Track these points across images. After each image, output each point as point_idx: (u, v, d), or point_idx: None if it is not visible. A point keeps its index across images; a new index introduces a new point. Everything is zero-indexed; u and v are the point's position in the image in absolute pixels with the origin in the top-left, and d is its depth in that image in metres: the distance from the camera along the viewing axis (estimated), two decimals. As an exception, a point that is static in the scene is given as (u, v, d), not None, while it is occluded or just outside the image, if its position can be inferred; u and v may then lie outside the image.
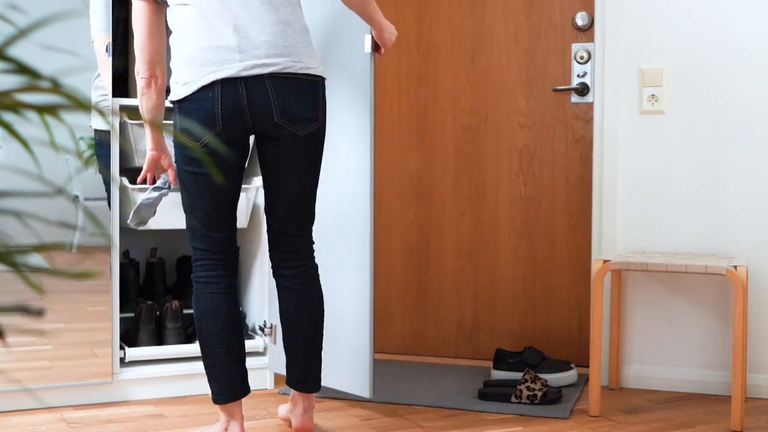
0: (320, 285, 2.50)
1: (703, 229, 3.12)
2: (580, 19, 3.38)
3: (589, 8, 3.37)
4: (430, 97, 3.61)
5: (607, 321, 3.19)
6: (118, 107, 2.90)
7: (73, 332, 2.81)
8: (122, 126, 2.95)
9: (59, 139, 2.76)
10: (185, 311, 3.23)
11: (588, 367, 3.37)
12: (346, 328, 2.76)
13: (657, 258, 2.86)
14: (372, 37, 2.57)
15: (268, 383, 3.10)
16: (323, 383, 2.86)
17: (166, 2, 2.35)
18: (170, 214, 2.98)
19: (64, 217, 2.78)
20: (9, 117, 2.57)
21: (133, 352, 2.95)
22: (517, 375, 3.16)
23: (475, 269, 3.57)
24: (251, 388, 3.05)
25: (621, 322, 3.21)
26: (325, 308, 2.72)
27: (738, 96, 3.07)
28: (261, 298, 3.13)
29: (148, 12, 2.38)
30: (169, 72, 2.81)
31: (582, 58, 3.38)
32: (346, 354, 2.75)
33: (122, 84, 3.12)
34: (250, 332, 3.22)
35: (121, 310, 3.14)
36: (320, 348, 2.49)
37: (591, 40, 3.37)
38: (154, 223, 2.95)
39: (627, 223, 3.20)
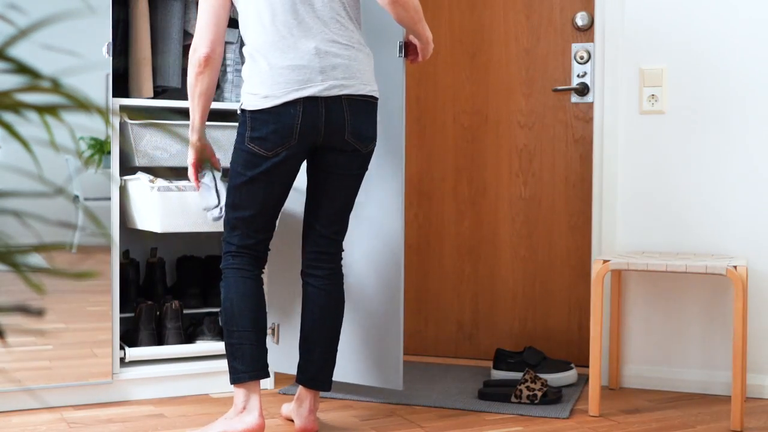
0: (344, 290, 2.67)
1: (703, 229, 3.12)
2: (580, 19, 3.38)
3: (589, 8, 3.37)
4: (430, 97, 3.61)
5: (607, 321, 3.19)
6: (118, 107, 2.90)
7: (73, 332, 2.81)
8: (122, 126, 2.95)
9: (59, 139, 2.76)
10: (185, 311, 3.23)
11: (588, 367, 3.37)
12: (378, 325, 2.84)
13: (657, 258, 2.86)
14: (405, 44, 2.74)
15: (269, 383, 3.10)
16: (352, 380, 2.91)
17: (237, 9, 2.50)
18: (171, 216, 2.97)
19: (64, 217, 2.78)
20: (9, 117, 2.56)
21: (133, 352, 2.95)
22: (517, 375, 3.16)
23: (475, 269, 3.57)
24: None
25: (621, 322, 3.21)
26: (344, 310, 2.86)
27: (738, 96, 3.07)
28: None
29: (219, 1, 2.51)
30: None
31: (582, 58, 3.38)
32: (379, 351, 2.84)
33: (122, 84, 3.12)
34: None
35: (121, 310, 3.14)
36: (336, 349, 2.59)
37: (591, 40, 3.37)
38: (168, 226, 2.95)
39: (627, 223, 3.20)
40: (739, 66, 3.06)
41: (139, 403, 2.90)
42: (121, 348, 2.98)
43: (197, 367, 3.00)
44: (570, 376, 3.16)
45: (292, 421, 2.65)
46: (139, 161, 2.95)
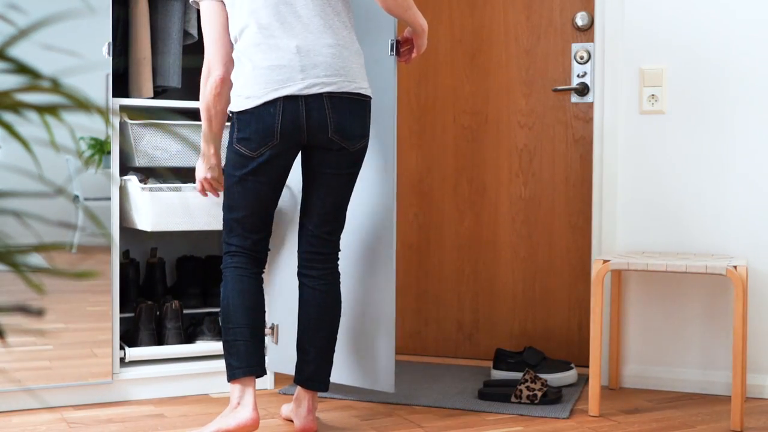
0: (340, 290, 2.66)
1: (703, 229, 3.12)
2: (580, 19, 3.38)
3: (589, 8, 3.37)
4: (430, 97, 3.61)
5: (607, 321, 3.19)
6: (118, 107, 2.90)
7: (73, 332, 2.81)
8: (122, 126, 2.95)
9: (59, 139, 2.76)
10: (185, 311, 3.23)
11: (588, 367, 3.37)
12: (370, 326, 2.81)
13: (657, 258, 2.86)
14: (398, 41, 2.69)
15: (269, 383, 3.10)
16: (344, 382, 2.89)
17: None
18: (174, 215, 2.97)
19: (64, 217, 2.78)
20: (9, 117, 2.56)
21: (133, 352, 2.95)
22: (517, 375, 3.16)
23: (475, 269, 3.57)
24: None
25: (621, 322, 3.21)
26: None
27: (738, 96, 3.07)
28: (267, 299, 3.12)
29: (220, 12, 2.50)
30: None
31: (582, 58, 3.38)
32: (371, 353, 2.81)
33: (122, 84, 3.12)
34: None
35: (121, 310, 3.14)
36: (333, 350, 2.58)
37: (591, 40, 3.37)
38: (158, 225, 2.95)
39: (627, 223, 3.20)
40: (739, 66, 3.06)
41: (139, 403, 2.90)
42: (121, 348, 2.98)
43: (197, 367, 3.00)
44: (570, 376, 3.16)
45: (292, 421, 2.65)
46: (139, 161, 2.95)
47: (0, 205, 2.46)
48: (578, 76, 3.39)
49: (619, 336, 3.18)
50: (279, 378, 3.24)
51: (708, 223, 3.11)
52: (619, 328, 3.19)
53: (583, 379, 3.20)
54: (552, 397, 2.88)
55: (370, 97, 2.50)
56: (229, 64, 2.49)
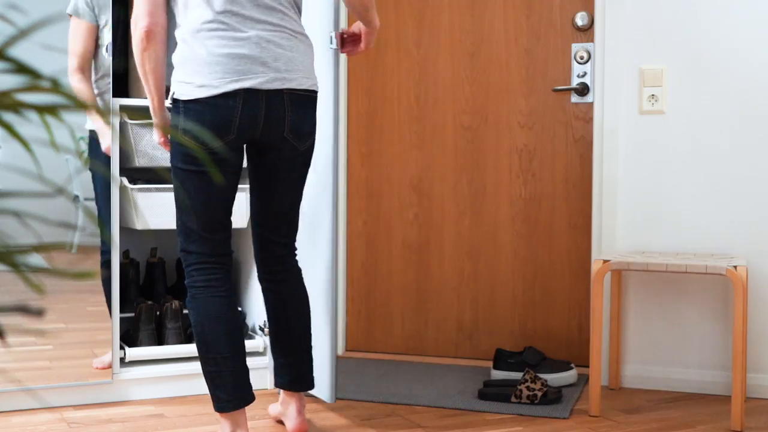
0: (304, 285, 2.54)
1: (703, 229, 3.12)
2: (580, 19, 3.38)
3: (589, 8, 3.37)
4: (430, 97, 3.61)
5: (607, 321, 3.19)
6: (118, 107, 2.90)
7: (73, 332, 2.81)
8: (122, 126, 2.95)
9: (59, 139, 2.76)
10: (185, 311, 3.23)
11: (588, 367, 3.37)
12: (312, 330, 2.74)
13: (657, 258, 2.86)
14: (341, 35, 2.56)
15: (268, 383, 3.10)
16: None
17: None
18: (171, 214, 2.97)
19: (64, 217, 2.78)
20: (9, 117, 2.57)
21: (133, 352, 2.95)
22: (517, 375, 3.16)
23: (475, 269, 3.57)
24: (251, 388, 3.06)
25: (621, 322, 3.21)
26: None
27: (737, 96, 3.07)
28: (261, 298, 3.12)
29: None
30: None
31: (582, 58, 3.38)
32: (315, 356, 2.73)
33: (122, 84, 3.12)
34: (250, 332, 3.22)
35: (121, 310, 3.14)
36: (311, 345, 2.50)
37: (591, 40, 3.37)
38: (155, 223, 2.95)
39: (627, 223, 3.20)
40: (739, 66, 3.06)
41: (139, 403, 2.90)
42: (121, 348, 2.98)
43: (197, 367, 3.00)
44: (570, 376, 3.16)
45: (281, 422, 2.63)
46: (139, 161, 2.95)
47: (0, 205, 2.46)
48: (578, 76, 3.39)
49: (619, 336, 3.18)
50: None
51: (708, 223, 3.11)
52: (619, 328, 3.19)
53: (583, 379, 3.20)
54: (552, 397, 2.88)
55: (317, 92, 2.39)
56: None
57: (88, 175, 2.82)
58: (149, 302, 3.05)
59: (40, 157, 2.76)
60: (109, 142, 2.48)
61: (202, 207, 2.29)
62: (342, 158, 3.66)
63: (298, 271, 2.50)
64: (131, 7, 3.00)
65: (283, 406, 2.52)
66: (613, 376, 3.16)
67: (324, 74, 2.64)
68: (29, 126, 2.66)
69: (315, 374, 2.70)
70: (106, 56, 2.81)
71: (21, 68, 0.76)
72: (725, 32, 3.08)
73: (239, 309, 3.17)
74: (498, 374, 3.20)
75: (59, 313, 2.80)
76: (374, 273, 3.68)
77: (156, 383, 2.96)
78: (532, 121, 3.48)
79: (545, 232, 3.47)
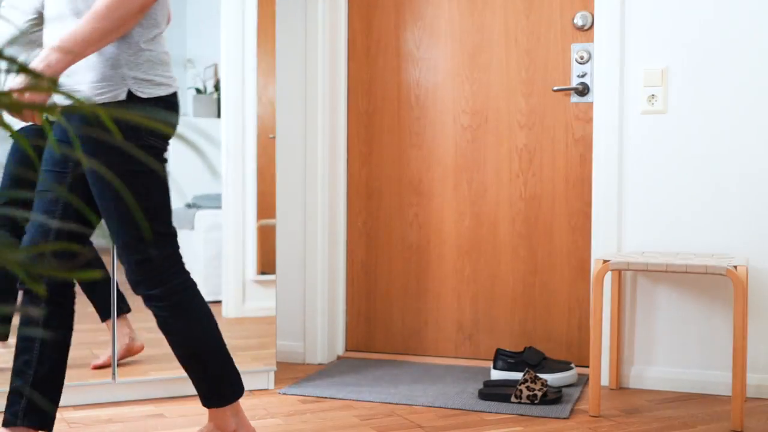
0: (190, 304, 2.26)
1: (703, 229, 3.12)
2: (580, 19, 3.38)
3: (589, 8, 3.37)
4: (430, 97, 3.61)
5: (607, 321, 3.19)
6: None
7: (74, 332, 2.81)
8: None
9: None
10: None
11: (588, 367, 3.37)
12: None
13: (657, 258, 2.86)
14: None
15: (269, 383, 3.10)
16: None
17: None
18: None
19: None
20: (9, 117, 2.56)
21: (133, 352, 2.95)
22: (517, 375, 3.16)
23: (475, 269, 3.57)
24: (251, 388, 3.06)
25: (621, 322, 3.21)
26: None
27: (738, 96, 3.07)
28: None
29: None
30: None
31: (582, 58, 3.38)
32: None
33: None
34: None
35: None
36: (207, 365, 2.25)
37: (591, 40, 3.37)
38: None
39: (627, 223, 3.20)
40: (740, 66, 3.06)
41: (139, 403, 2.89)
42: (121, 348, 2.97)
43: (197, 367, 3.00)
44: (570, 376, 3.15)
45: None
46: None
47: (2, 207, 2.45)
48: (578, 76, 3.39)
49: (619, 336, 3.18)
50: (279, 378, 3.24)
51: (708, 223, 3.11)
52: (619, 328, 3.19)
53: (583, 379, 3.20)
54: (552, 397, 2.88)
55: None
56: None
57: (88, 175, 2.82)
58: (149, 302, 3.04)
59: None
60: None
61: (166, 204, 2.18)
62: (342, 158, 3.66)
63: (178, 291, 2.22)
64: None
65: (222, 423, 2.31)
66: (613, 376, 3.16)
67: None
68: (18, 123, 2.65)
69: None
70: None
71: (21, 68, 0.76)
72: (725, 32, 3.08)
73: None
74: (498, 374, 3.20)
75: (59, 313, 2.79)
76: (374, 273, 3.68)
77: (156, 383, 2.96)
78: (532, 121, 3.48)
79: (545, 232, 3.47)
